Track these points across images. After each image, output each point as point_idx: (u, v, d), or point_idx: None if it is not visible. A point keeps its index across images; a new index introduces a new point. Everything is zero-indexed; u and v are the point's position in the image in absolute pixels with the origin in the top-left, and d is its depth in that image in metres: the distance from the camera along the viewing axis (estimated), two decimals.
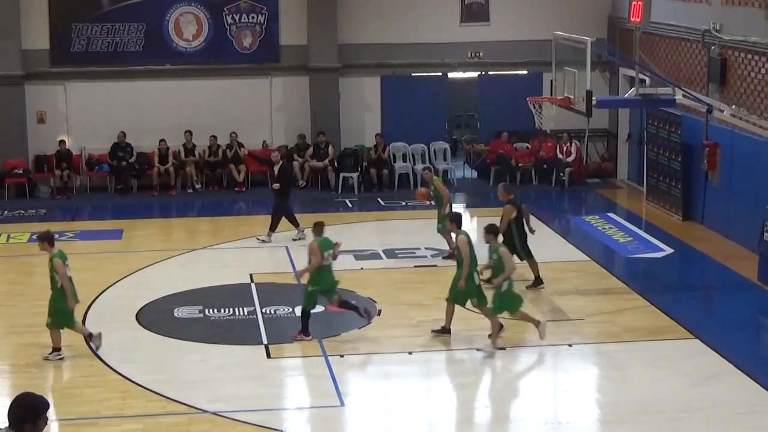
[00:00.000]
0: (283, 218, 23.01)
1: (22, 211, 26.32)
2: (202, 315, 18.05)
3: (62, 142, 28.18)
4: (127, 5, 28.69)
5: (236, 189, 28.32)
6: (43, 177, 28.31)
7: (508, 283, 16.26)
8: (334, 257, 17.01)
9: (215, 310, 18.14)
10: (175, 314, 18.06)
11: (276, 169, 23.47)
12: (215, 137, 28.49)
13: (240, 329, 17.49)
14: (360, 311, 17.06)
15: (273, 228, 22.99)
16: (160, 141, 28.37)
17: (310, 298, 16.74)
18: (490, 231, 16.66)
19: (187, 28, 28.97)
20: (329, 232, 17.39)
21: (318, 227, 17.12)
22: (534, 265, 19.51)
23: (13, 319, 17.91)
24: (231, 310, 18.23)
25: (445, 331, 16.85)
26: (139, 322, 17.74)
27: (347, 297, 17.55)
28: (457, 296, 16.71)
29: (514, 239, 19.25)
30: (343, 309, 17.15)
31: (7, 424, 7.15)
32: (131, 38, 28.76)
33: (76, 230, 24.15)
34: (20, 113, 28.31)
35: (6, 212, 26.14)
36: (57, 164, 28.09)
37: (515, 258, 17.60)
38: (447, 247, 21.27)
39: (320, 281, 16.70)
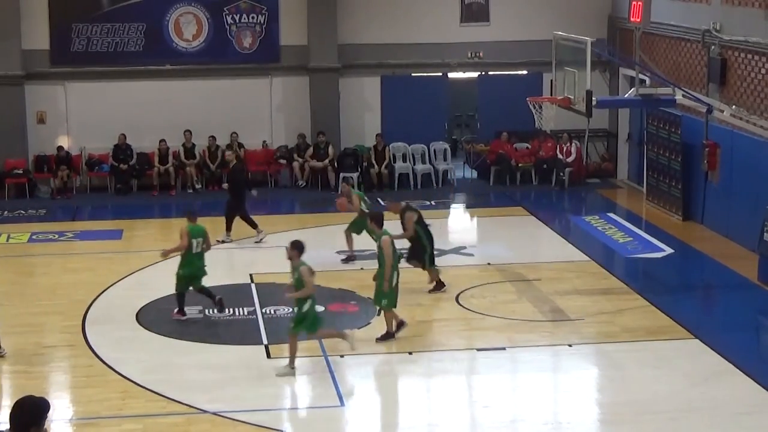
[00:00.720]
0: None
1: (22, 212, 26.31)
2: (201, 315, 18.05)
3: (60, 147, 28.13)
4: (127, 5, 28.69)
5: None
6: (43, 177, 28.31)
7: (311, 303, 15.58)
8: (207, 247, 17.83)
9: (215, 311, 18.12)
10: (175, 315, 18.05)
11: (229, 168, 23.60)
12: (214, 137, 28.48)
13: (240, 329, 17.50)
14: (216, 302, 17.72)
15: (228, 228, 23.00)
16: (160, 141, 28.37)
17: (178, 281, 17.71)
18: (294, 247, 15.60)
19: (187, 28, 28.97)
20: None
21: (192, 215, 18.04)
22: (435, 273, 19.39)
23: (13, 319, 17.87)
24: (231, 310, 18.22)
25: (390, 335, 16.76)
26: (139, 323, 17.75)
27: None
28: (386, 298, 16.70)
29: (423, 242, 19.24)
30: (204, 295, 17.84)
31: (7, 427, 7.13)
32: (131, 38, 28.76)
33: (76, 230, 24.16)
34: (20, 113, 28.30)
35: (6, 212, 26.13)
36: (56, 167, 28.05)
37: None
38: (446, 247, 21.25)
39: (187, 265, 17.64)
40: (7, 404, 14.34)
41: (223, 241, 22.66)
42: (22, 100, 28.32)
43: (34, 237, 23.54)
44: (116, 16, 28.66)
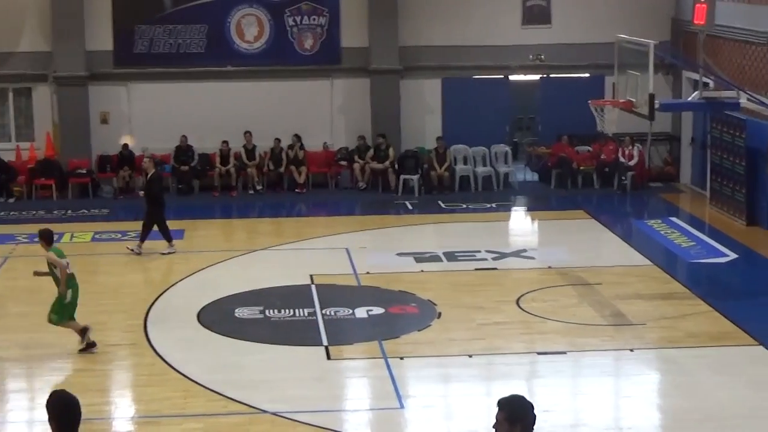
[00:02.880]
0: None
1: (86, 211, 26.56)
2: (262, 315, 18.10)
3: (125, 145, 28.40)
4: (190, 7, 28.87)
5: (297, 190, 28.39)
6: (105, 177, 28.55)
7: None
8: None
9: (275, 311, 18.18)
10: (236, 314, 18.14)
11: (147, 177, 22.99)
12: (279, 140, 28.59)
13: (300, 330, 17.52)
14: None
15: (142, 239, 22.31)
16: (222, 142, 28.52)
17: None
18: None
19: (249, 29, 29.10)
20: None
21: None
22: None
23: (76, 317, 18.01)
24: (291, 311, 18.27)
25: (90, 345, 16.40)
26: (200, 322, 17.83)
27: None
28: (63, 312, 16.39)
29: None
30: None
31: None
32: (193, 40, 28.94)
33: (139, 230, 24.29)
34: (84, 114, 28.57)
35: (69, 212, 26.39)
36: (119, 165, 28.32)
37: None
38: (506, 250, 21.18)
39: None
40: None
41: (133, 251, 22.11)
42: (86, 101, 28.59)
43: (97, 236, 23.74)
44: (179, 17, 28.85)
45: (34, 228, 24.43)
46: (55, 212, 26.45)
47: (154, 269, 21.19)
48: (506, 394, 7.07)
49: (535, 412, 7.05)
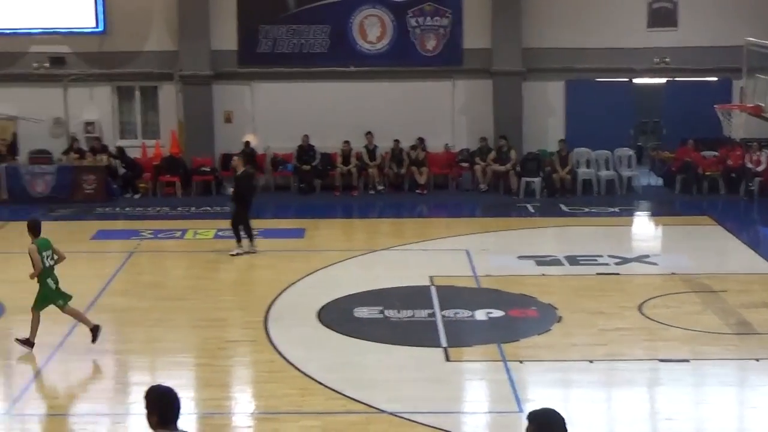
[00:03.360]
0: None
1: (208, 208, 26.89)
2: (381, 315, 18.08)
3: (247, 143, 28.68)
4: (313, 7, 29.05)
5: (418, 191, 28.38)
6: (228, 175, 28.79)
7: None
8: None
9: (395, 311, 18.15)
10: (355, 314, 18.15)
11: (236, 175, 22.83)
12: (398, 141, 28.62)
13: (419, 331, 17.45)
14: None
15: (239, 239, 22.21)
16: (343, 142, 28.64)
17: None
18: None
19: (372, 30, 29.18)
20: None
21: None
22: None
23: (198, 313, 18.26)
24: (411, 311, 18.22)
25: (29, 343, 16.18)
26: (320, 321, 17.87)
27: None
28: (37, 303, 16.26)
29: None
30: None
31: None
32: (316, 40, 29.12)
33: (260, 228, 24.50)
34: (208, 112, 28.97)
35: (193, 209, 26.76)
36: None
37: None
38: (629, 255, 20.89)
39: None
40: (191, 396, 14.63)
41: (238, 254, 22.05)
42: (210, 100, 28.97)
43: (219, 233, 23.99)
44: (302, 17, 29.06)
45: (159, 224, 25.06)
46: (179, 209, 26.86)
47: (273, 267, 21.31)
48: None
49: (567, 426, 6.84)
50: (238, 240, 22.15)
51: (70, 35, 28.98)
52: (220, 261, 21.94)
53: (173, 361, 16.23)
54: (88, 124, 29.44)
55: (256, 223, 23.32)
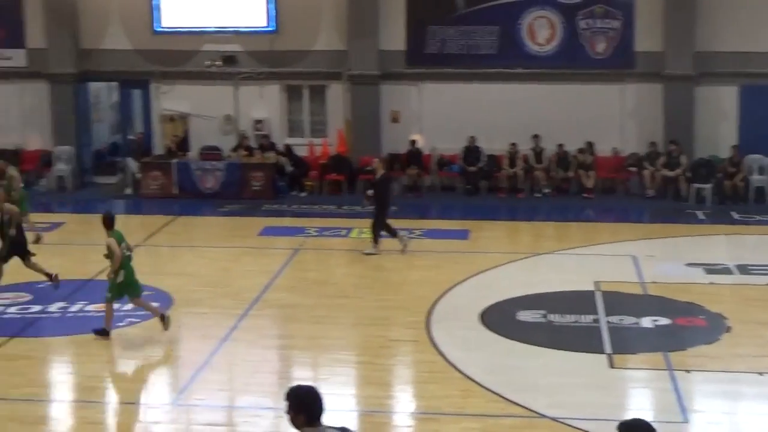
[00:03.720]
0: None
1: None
2: (545, 319, 17.89)
3: (413, 142, 28.75)
4: (482, 8, 28.94)
5: (584, 195, 28.04)
6: (394, 175, 28.92)
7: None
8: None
9: (558, 316, 17.94)
10: (518, 317, 17.99)
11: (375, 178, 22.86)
12: (561, 144, 28.33)
13: (582, 336, 17.20)
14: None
15: (375, 240, 22.28)
16: (510, 144, 28.47)
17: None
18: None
19: (541, 32, 28.92)
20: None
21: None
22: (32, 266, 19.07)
23: (360, 311, 18.35)
24: (574, 316, 17.97)
25: (105, 333, 16.64)
26: (483, 323, 17.77)
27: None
28: (115, 291, 16.61)
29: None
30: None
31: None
32: (485, 41, 29.00)
33: (424, 228, 24.56)
34: (375, 112, 29.11)
35: (358, 208, 26.89)
36: (408, 163, 28.69)
37: None
38: None
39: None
40: (352, 393, 14.69)
41: (371, 254, 22.14)
42: (378, 99, 29.11)
43: (383, 234, 24.02)
44: (471, 18, 28.96)
45: (325, 222, 25.30)
46: (344, 208, 27.06)
47: (437, 267, 21.27)
48: None
49: None
50: (375, 241, 22.32)
51: (242, 34, 29.46)
52: (383, 260, 22.00)
53: (335, 358, 16.33)
54: (258, 121, 29.88)
55: (419, 224, 23.38)
